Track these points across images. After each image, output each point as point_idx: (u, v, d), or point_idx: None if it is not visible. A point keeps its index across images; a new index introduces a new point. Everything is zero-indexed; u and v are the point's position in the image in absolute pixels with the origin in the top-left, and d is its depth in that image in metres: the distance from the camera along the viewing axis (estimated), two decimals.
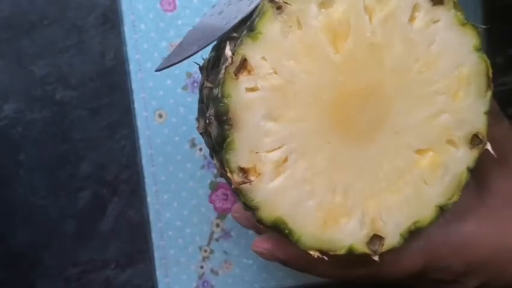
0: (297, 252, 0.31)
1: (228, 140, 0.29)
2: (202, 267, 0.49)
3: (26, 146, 0.47)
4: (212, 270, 0.49)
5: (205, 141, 0.37)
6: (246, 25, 0.31)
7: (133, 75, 0.47)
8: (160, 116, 0.47)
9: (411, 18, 0.30)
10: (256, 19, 0.29)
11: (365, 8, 0.30)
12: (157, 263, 0.48)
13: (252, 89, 0.29)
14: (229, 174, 0.30)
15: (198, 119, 0.37)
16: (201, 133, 0.36)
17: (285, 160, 0.30)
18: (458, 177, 0.32)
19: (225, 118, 0.29)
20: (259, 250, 0.35)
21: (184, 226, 0.48)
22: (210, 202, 0.48)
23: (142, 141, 0.47)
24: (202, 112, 0.35)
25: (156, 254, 0.48)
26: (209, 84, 0.33)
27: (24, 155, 0.47)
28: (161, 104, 0.47)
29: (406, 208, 0.32)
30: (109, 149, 0.48)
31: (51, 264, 0.48)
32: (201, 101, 0.36)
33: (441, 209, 0.32)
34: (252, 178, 0.30)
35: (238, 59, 0.29)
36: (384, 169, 0.31)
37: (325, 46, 0.30)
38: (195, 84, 0.47)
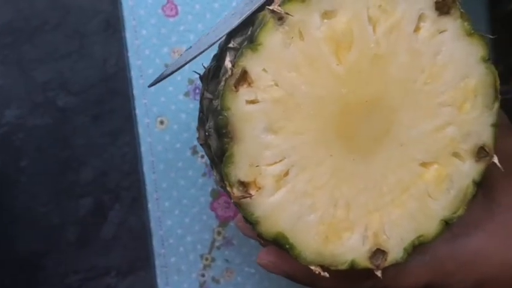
0: (301, 266, 0.31)
1: (227, 153, 0.29)
2: (203, 275, 0.48)
3: (28, 152, 0.47)
4: (213, 279, 0.48)
5: (205, 152, 0.36)
6: (247, 35, 0.30)
7: (134, 82, 0.46)
8: (162, 122, 0.47)
9: (417, 28, 0.30)
10: (257, 30, 0.29)
11: (369, 19, 0.29)
12: (158, 271, 0.48)
13: (252, 102, 0.29)
14: (228, 188, 0.29)
15: (198, 129, 0.37)
16: (201, 144, 0.36)
17: (286, 173, 0.30)
18: (464, 191, 0.31)
19: (224, 131, 0.29)
20: (263, 263, 0.35)
21: (185, 234, 0.48)
22: (212, 210, 0.48)
23: (144, 148, 0.47)
24: (202, 123, 0.35)
25: (157, 262, 0.48)
26: (209, 95, 0.32)
27: (25, 161, 0.47)
28: (162, 111, 0.47)
29: (410, 222, 0.31)
30: (110, 155, 0.47)
31: (52, 271, 0.48)
32: (201, 111, 0.35)
33: (447, 223, 0.31)
34: (252, 192, 0.29)
35: (238, 71, 0.28)
36: (388, 182, 0.31)
37: (327, 57, 0.29)
38: (197, 91, 0.46)
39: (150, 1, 0.46)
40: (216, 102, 0.30)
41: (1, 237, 0.47)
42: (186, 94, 0.47)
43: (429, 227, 0.31)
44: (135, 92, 0.46)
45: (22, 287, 0.48)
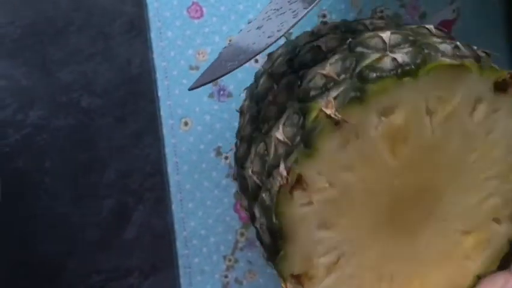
0: None
1: (281, 253, 0.29)
2: (226, 276, 0.48)
3: (51, 153, 0.47)
4: (236, 280, 0.48)
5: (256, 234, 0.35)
6: (298, 126, 0.29)
7: (159, 83, 0.46)
8: (186, 124, 0.47)
9: (473, 110, 0.29)
10: (313, 133, 0.27)
11: (427, 109, 0.28)
12: (181, 271, 0.48)
13: (306, 204, 0.28)
14: (282, 285, 0.29)
15: (240, 202, 0.36)
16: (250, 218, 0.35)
17: (336, 262, 0.30)
18: (500, 250, 0.32)
19: (277, 234, 0.28)
20: None
21: (209, 235, 0.48)
22: (235, 211, 0.48)
23: (168, 149, 0.47)
24: (247, 195, 0.34)
25: (180, 263, 0.48)
26: (255, 178, 0.31)
27: (48, 162, 0.47)
28: (187, 112, 0.47)
29: (447, 282, 0.32)
30: (134, 156, 0.47)
31: (74, 272, 0.48)
32: (242, 188, 0.34)
33: (479, 277, 0.32)
34: (304, 283, 0.29)
35: (293, 178, 0.28)
36: (430, 253, 0.31)
37: (383, 153, 0.28)
38: (221, 92, 0.47)
39: (175, 3, 0.46)
40: (266, 198, 0.30)
41: (23, 237, 0.47)
42: (210, 95, 0.47)
43: (464, 283, 0.32)
44: (160, 93, 0.46)
45: (44, 287, 0.48)
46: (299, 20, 0.29)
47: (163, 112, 0.47)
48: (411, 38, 0.29)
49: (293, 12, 0.30)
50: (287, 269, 0.29)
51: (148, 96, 0.47)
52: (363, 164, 0.28)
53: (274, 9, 0.32)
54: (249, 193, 0.33)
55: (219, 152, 0.47)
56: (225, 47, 0.34)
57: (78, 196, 0.47)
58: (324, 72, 0.29)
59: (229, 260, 0.48)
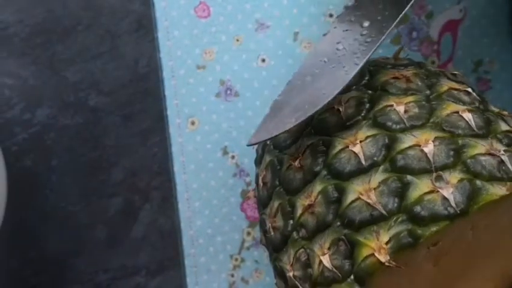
0: None
1: None
2: (232, 275, 0.48)
3: (58, 152, 0.47)
4: (243, 279, 0.48)
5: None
6: (346, 264, 0.29)
7: (166, 82, 0.46)
8: (193, 123, 0.47)
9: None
10: (366, 273, 0.27)
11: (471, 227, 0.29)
12: (188, 270, 0.48)
13: None
14: None
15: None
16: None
17: None
18: None
19: None
20: None
21: (215, 234, 0.48)
22: (242, 210, 0.48)
23: (174, 148, 0.47)
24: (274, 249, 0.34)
25: (186, 262, 0.48)
26: (296, 282, 0.31)
27: (56, 160, 0.47)
28: (193, 111, 0.47)
29: None
30: (141, 155, 0.48)
31: (82, 270, 0.48)
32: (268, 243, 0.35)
33: None
34: None
35: None
36: None
37: (427, 269, 0.29)
38: (228, 92, 0.47)
39: (183, 2, 0.46)
40: None
41: (31, 236, 0.48)
42: (217, 95, 0.47)
43: None
44: (167, 92, 0.47)
45: (51, 285, 0.48)
46: (352, 77, 0.29)
47: (170, 111, 0.47)
48: (452, 146, 0.29)
49: (344, 67, 0.29)
50: None
51: (155, 96, 0.47)
52: (409, 282, 0.28)
53: (322, 61, 0.31)
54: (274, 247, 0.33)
55: (225, 152, 0.47)
56: (275, 100, 0.33)
57: (85, 194, 0.48)
58: (370, 202, 0.28)
59: (236, 259, 0.48)
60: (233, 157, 0.47)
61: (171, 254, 0.48)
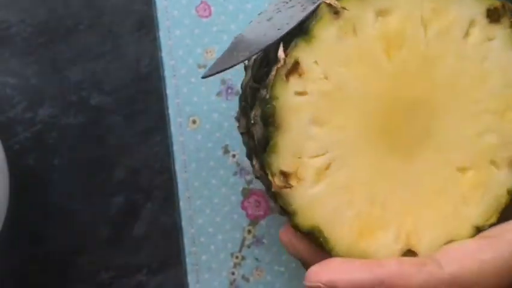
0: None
1: (272, 142, 0.29)
2: (233, 273, 0.48)
3: (60, 151, 0.48)
4: (243, 277, 0.49)
5: (244, 142, 0.37)
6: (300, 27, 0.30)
7: (167, 82, 0.47)
8: (194, 122, 0.47)
9: (467, 34, 0.30)
10: (312, 22, 0.29)
11: (422, 19, 0.30)
12: (189, 268, 0.48)
13: (301, 93, 0.29)
14: (270, 177, 0.30)
15: (238, 119, 0.37)
16: (241, 133, 0.36)
17: (327, 167, 0.30)
18: (498, 199, 0.32)
19: (270, 120, 0.29)
20: (315, 285, 0.30)
21: (216, 232, 0.48)
22: (242, 209, 0.48)
23: (176, 147, 0.47)
24: (244, 112, 0.35)
25: (188, 260, 0.48)
26: (255, 85, 0.33)
27: (58, 160, 0.48)
28: (195, 110, 0.47)
29: (443, 226, 0.31)
30: (143, 154, 0.48)
31: (84, 269, 0.48)
32: (243, 100, 0.35)
33: (478, 230, 0.32)
34: (292, 183, 0.30)
35: (290, 62, 0.29)
36: (424, 184, 0.31)
37: (378, 54, 0.30)
38: (229, 91, 0.47)
39: (184, 1, 0.46)
40: (264, 92, 0.31)
41: (33, 234, 0.48)
42: (218, 94, 0.47)
43: (461, 232, 0.31)
44: (168, 91, 0.47)
45: (53, 284, 0.48)
46: (308, 14, 0.30)
47: (172, 110, 0.47)
48: None
49: (302, 6, 0.30)
50: (276, 163, 0.29)
51: (156, 95, 0.47)
52: (358, 61, 0.29)
53: (284, 2, 0.33)
54: (246, 105, 0.34)
55: (226, 150, 0.48)
56: (235, 37, 0.34)
57: (87, 193, 0.48)
58: None
59: (237, 258, 0.48)
60: (234, 156, 0.48)
61: (173, 253, 0.48)
